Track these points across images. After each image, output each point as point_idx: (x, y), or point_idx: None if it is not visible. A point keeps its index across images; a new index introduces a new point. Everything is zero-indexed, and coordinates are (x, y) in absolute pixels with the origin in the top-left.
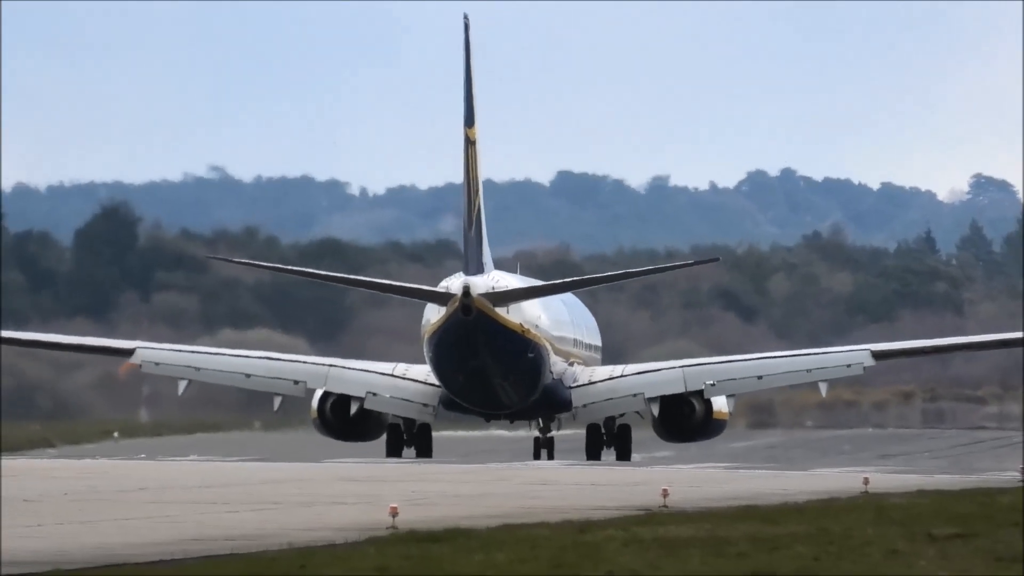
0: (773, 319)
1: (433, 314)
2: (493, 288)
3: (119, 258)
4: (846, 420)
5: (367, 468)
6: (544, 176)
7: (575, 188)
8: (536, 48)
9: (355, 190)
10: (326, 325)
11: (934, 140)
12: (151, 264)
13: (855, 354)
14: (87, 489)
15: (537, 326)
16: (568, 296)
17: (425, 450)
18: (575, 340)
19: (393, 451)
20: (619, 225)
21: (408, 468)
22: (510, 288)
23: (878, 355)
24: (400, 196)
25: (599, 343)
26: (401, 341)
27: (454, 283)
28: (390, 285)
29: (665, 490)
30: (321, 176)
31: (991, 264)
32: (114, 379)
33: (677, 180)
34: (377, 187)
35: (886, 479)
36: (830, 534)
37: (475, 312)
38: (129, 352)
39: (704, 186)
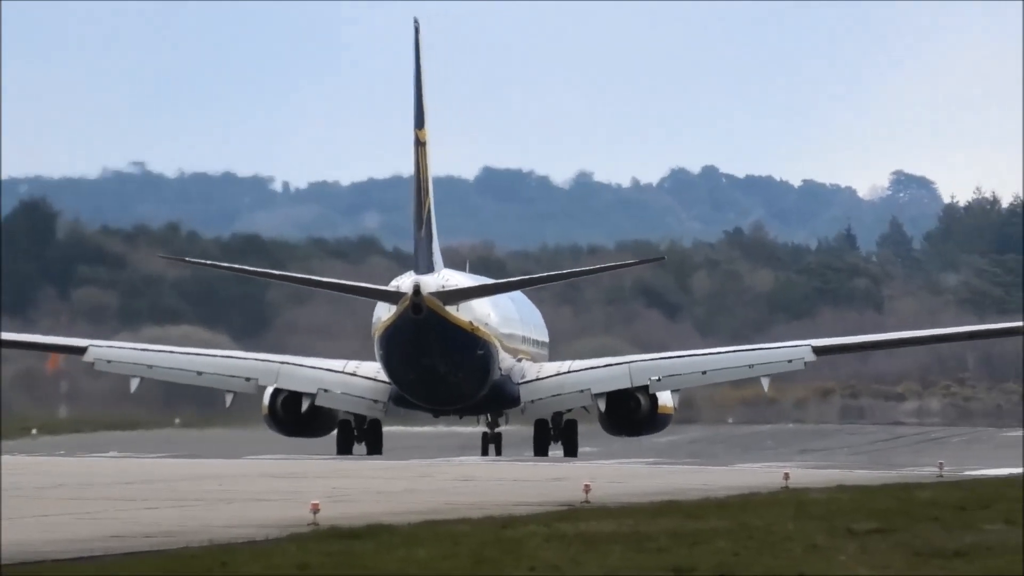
0: (696, 316)
1: (384, 312)
2: (443, 287)
3: (38, 254)
4: (767, 416)
5: (289, 464)
6: (469, 172)
7: (499, 184)
8: (461, 45)
9: (278, 186)
10: (249, 322)
11: (855, 137)
12: (71, 259)
13: (797, 350)
14: (6, 485)
15: (487, 324)
16: (516, 293)
17: (375, 446)
18: (523, 337)
19: (344, 447)
20: (543, 221)
21: (332, 464)
22: (460, 287)
23: (819, 350)
24: (322, 191)
25: (546, 339)
26: (324, 337)
27: (404, 282)
28: (342, 284)
29: (587, 485)
30: (244, 172)
31: (910, 261)
32: (33, 375)
33: (600, 177)
34: (299, 183)
35: (806, 474)
36: (751, 529)
37: (425, 310)
38: (81, 350)
39: (627, 183)
